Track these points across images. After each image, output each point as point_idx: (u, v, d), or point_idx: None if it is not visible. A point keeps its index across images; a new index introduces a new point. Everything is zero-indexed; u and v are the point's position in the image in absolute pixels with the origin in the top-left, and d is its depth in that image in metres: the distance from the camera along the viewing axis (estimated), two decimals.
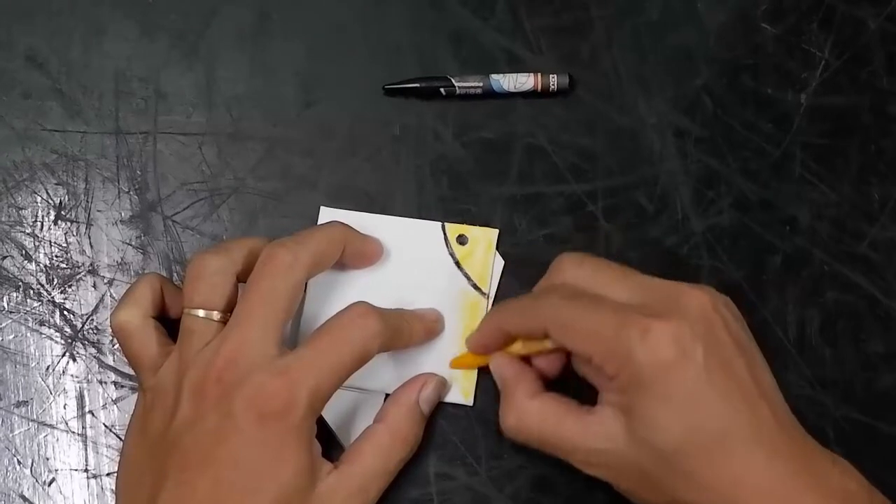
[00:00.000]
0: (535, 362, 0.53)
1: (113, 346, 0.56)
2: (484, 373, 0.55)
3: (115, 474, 0.52)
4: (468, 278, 0.56)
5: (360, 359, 0.50)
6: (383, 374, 0.55)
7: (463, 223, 0.57)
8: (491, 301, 0.56)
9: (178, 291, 0.53)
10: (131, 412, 0.52)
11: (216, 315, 0.51)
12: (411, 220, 0.57)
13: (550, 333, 0.50)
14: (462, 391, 0.55)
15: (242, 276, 0.52)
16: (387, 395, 0.55)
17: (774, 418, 0.48)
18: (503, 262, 0.56)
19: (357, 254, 0.55)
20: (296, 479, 0.48)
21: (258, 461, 0.48)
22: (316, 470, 0.49)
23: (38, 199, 0.58)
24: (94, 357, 0.56)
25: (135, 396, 0.55)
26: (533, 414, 0.51)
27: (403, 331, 0.53)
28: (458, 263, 0.56)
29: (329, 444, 0.54)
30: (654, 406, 0.47)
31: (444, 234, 0.57)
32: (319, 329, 0.50)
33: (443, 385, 0.55)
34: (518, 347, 0.53)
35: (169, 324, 0.53)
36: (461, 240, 0.56)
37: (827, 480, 0.47)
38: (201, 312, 0.51)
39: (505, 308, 0.53)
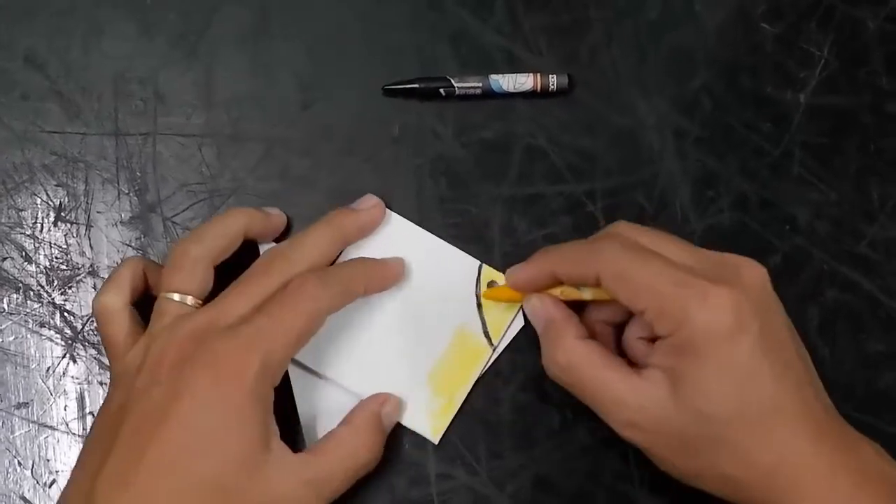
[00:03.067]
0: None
1: None
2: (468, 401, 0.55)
3: None
4: (483, 324, 0.56)
5: (311, 324, 0.50)
6: (363, 375, 0.55)
7: (459, 226, 0.57)
8: (495, 355, 0.56)
9: (160, 270, 0.54)
10: None
11: (190, 300, 0.52)
12: (453, 248, 0.57)
13: (604, 281, 0.49)
14: (432, 429, 0.55)
15: (217, 262, 0.53)
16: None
17: (818, 400, 0.48)
18: (523, 322, 0.56)
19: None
20: (246, 444, 0.48)
21: (208, 423, 0.48)
22: (268, 441, 0.49)
23: (38, 200, 0.58)
24: (95, 358, 0.56)
25: None
26: (583, 355, 0.50)
27: (350, 289, 0.53)
28: (479, 306, 0.56)
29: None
30: (706, 374, 0.47)
31: (479, 273, 0.56)
32: (271, 298, 0.50)
33: (398, 407, 0.55)
34: (557, 292, 0.52)
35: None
36: (491, 285, 0.56)
37: (868, 464, 0.48)
38: (176, 296, 0.51)
39: (559, 250, 0.52)
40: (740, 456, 0.47)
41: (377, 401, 0.54)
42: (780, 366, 0.48)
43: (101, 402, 0.56)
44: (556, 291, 0.52)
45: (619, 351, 0.53)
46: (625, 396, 0.49)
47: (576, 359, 0.50)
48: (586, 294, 0.51)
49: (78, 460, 0.50)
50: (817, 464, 0.47)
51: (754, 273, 0.49)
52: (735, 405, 0.47)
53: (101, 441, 0.49)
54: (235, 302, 0.51)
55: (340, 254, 0.55)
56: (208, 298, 0.52)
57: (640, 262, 0.48)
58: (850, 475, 0.47)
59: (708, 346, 0.47)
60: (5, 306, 0.57)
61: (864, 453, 0.48)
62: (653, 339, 0.49)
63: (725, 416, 0.47)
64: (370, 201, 0.56)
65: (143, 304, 0.54)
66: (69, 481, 0.50)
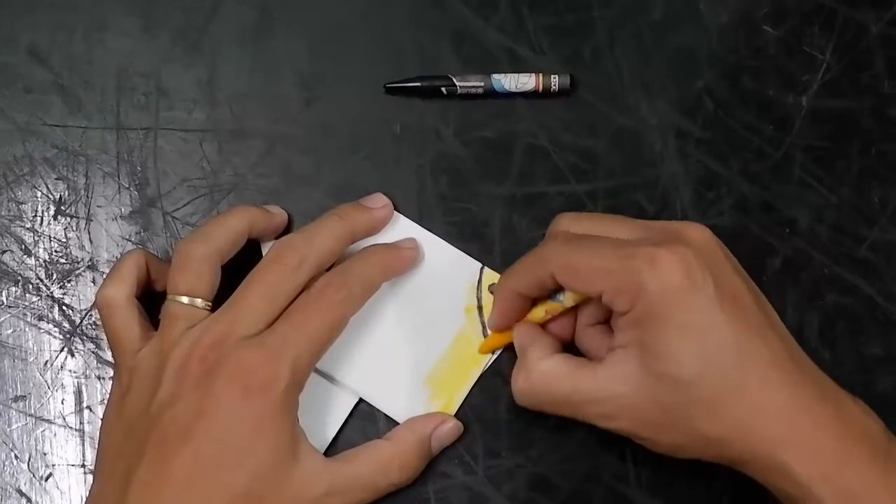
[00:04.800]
0: (549, 327, 0.53)
1: None
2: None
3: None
4: (483, 327, 0.56)
5: (336, 329, 0.51)
6: (362, 374, 0.55)
7: (459, 225, 0.57)
8: (494, 357, 0.56)
9: (162, 265, 0.54)
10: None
11: (200, 302, 0.51)
12: (455, 250, 0.56)
13: (557, 277, 0.50)
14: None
15: (223, 261, 0.52)
16: (360, 400, 0.55)
17: (785, 348, 0.48)
18: None
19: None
20: (275, 454, 0.48)
21: (238, 436, 0.48)
22: (296, 448, 0.49)
23: (39, 193, 0.58)
24: (93, 352, 0.56)
25: None
26: (543, 373, 0.50)
27: (372, 286, 0.53)
28: (480, 308, 0.56)
29: (329, 447, 0.54)
30: (668, 336, 0.47)
31: (480, 276, 0.56)
32: (294, 304, 0.50)
33: (458, 430, 0.55)
34: (539, 314, 0.53)
35: (150, 304, 0.53)
36: (492, 288, 0.56)
37: (847, 413, 0.47)
38: (185, 299, 0.51)
39: (511, 270, 0.53)
40: (714, 413, 0.47)
41: (432, 421, 0.54)
42: (739, 317, 0.47)
43: (99, 396, 0.56)
44: (541, 312, 0.53)
45: None
46: (596, 391, 0.49)
47: (536, 378, 0.51)
48: (567, 301, 0.52)
49: (99, 466, 0.51)
50: (796, 414, 0.47)
51: (697, 232, 0.49)
52: (700, 362, 0.47)
53: (125, 451, 0.49)
54: (250, 301, 0.50)
55: None
56: (216, 299, 0.52)
57: (582, 249, 0.49)
58: (830, 427, 0.47)
59: (665, 309, 0.47)
60: (4, 299, 0.57)
61: (844, 405, 0.48)
62: None
63: (693, 375, 0.47)
64: (380, 201, 0.56)
65: (144, 298, 0.54)
66: (95, 487, 0.50)
